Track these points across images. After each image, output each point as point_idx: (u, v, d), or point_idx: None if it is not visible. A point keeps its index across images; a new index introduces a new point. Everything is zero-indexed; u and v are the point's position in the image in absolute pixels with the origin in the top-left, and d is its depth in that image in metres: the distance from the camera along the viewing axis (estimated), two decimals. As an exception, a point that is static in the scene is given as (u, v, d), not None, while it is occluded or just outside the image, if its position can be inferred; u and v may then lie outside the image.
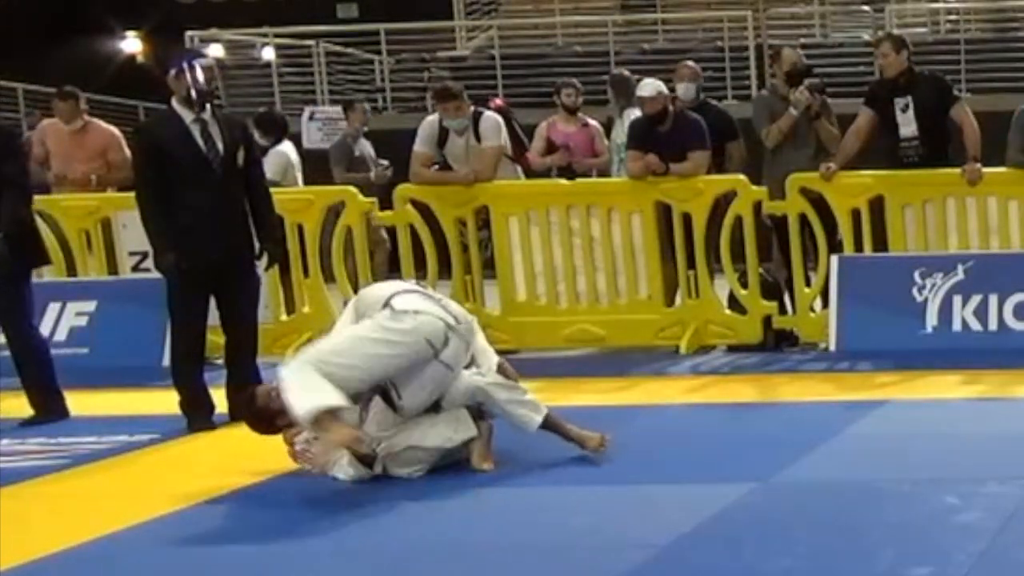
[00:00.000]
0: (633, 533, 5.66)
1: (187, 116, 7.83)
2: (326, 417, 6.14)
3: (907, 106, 10.33)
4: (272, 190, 8.80)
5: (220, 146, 7.86)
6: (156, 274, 8.28)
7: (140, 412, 8.48)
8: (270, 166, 11.97)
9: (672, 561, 5.34)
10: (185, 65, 7.84)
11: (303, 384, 6.17)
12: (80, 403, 8.88)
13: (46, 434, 7.87)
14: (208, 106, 7.88)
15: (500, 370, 6.94)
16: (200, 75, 7.81)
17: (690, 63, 11.36)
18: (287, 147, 12.32)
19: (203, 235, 7.80)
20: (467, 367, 6.77)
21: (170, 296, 8.02)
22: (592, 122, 12.73)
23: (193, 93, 7.76)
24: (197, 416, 7.93)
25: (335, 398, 6.14)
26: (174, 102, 7.91)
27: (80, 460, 7.25)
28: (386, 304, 6.55)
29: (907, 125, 10.37)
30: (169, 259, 7.82)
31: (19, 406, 8.69)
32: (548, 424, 6.86)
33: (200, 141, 7.82)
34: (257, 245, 8.15)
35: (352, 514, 6.12)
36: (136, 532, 5.90)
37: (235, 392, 7.80)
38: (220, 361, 8.43)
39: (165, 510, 6.19)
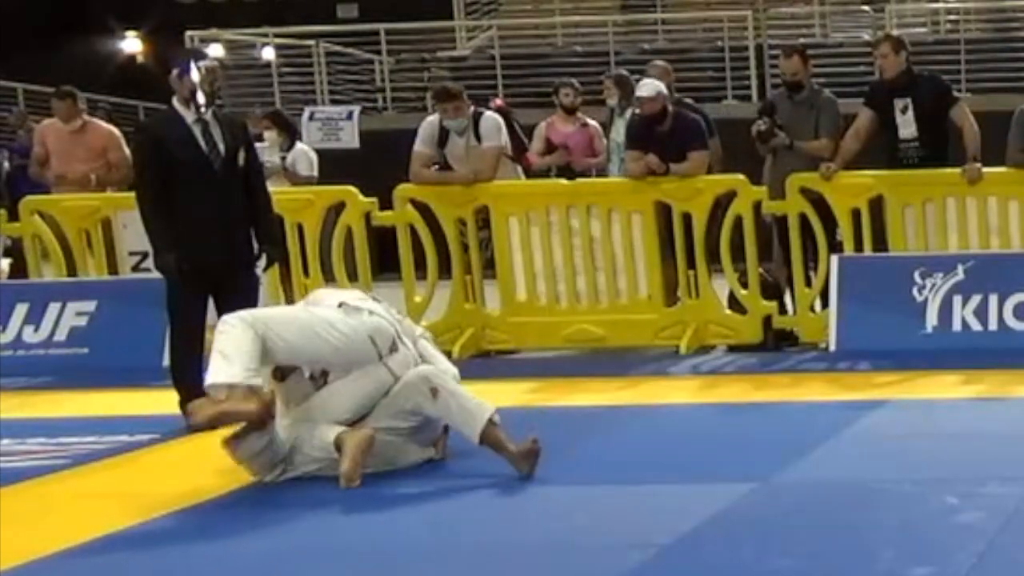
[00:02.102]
0: (633, 533, 5.66)
1: (188, 116, 7.82)
2: (226, 390, 6.18)
3: (907, 107, 10.34)
4: (274, 190, 8.81)
5: (221, 147, 7.86)
6: (156, 274, 8.28)
7: (140, 412, 8.48)
8: (304, 163, 12.08)
9: (672, 561, 5.34)
10: (188, 66, 7.84)
11: (229, 350, 6.19)
12: (80, 403, 8.90)
13: (46, 434, 7.87)
14: (210, 107, 7.88)
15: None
16: (203, 76, 7.80)
17: (659, 62, 11.44)
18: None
19: (204, 235, 7.79)
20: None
21: (170, 296, 8.01)
22: (591, 122, 12.75)
23: (197, 95, 7.76)
24: None
25: (240, 375, 6.13)
26: (175, 102, 7.90)
27: (80, 460, 7.25)
28: (340, 305, 6.60)
29: (907, 126, 10.38)
30: (169, 259, 7.82)
31: (19, 406, 8.70)
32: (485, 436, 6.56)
33: (202, 141, 7.82)
34: (256, 246, 8.15)
35: (352, 514, 6.12)
36: (136, 532, 5.90)
37: None
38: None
39: (165, 510, 6.19)
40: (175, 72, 7.89)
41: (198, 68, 7.82)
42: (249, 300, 8.11)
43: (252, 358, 6.18)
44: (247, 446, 6.43)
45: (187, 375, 7.97)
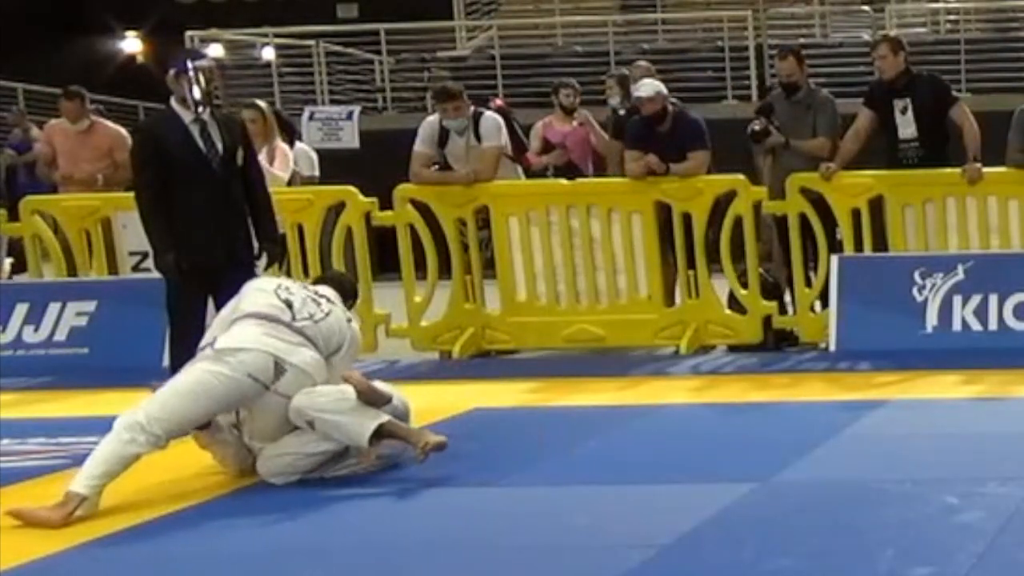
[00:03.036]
0: (633, 533, 5.66)
1: (186, 116, 7.82)
2: (71, 496, 6.11)
3: (906, 108, 10.34)
4: (274, 190, 8.80)
5: (220, 146, 7.86)
6: (156, 274, 8.28)
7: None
8: (305, 163, 12.08)
9: (672, 561, 5.34)
10: (185, 66, 7.83)
11: (100, 455, 6.21)
12: (80, 403, 8.89)
13: (46, 434, 7.86)
14: (207, 106, 7.87)
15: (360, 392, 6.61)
16: (199, 77, 7.80)
17: (642, 62, 11.50)
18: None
19: (203, 235, 7.80)
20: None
21: (169, 296, 8.01)
22: (589, 119, 12.76)
23: (194, 95, 7.75)
24: None
25: (84, 487, 6.11)
26: (173, 102, 7.90)
27: (80, 460, 7.16)
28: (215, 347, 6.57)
29: (906, 127, 10.38)
30: (169, 259, 7.82)
31: (19, 406, 8.70)
32: (383, 433, 6.56)
33: (200, 141, 7.82)
34: (256, 245, 8.14)
35: (352, 513, 6.12)
36: (135, 532, 5.91)
37: None
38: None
39: (165, 510, 6.20)
40: (172, 72, 7.89)
41: (195, 68, 7.81)
42: None
43: (103, 467, 6.18)
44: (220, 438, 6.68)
45: None
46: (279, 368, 6.47)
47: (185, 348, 7.89)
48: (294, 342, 6.56)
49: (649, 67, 11.59)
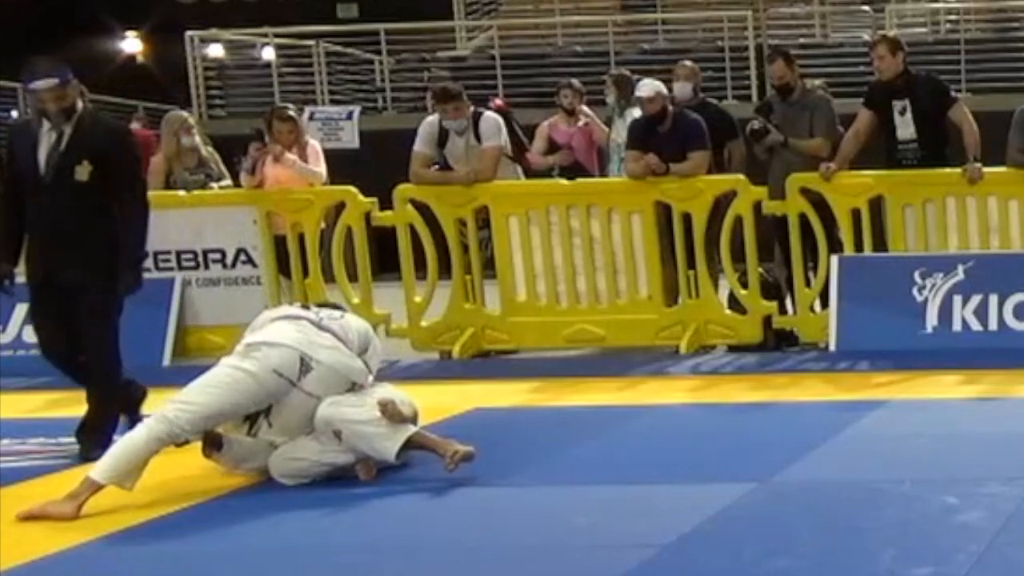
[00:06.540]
0: (633, 533, 5.66)
1: (46, 125, 7.43)
2: (86, 484, 6.20)
3: (905, 109, 10.34)
4: (275, 189, 8.75)
5: (63, 160, 7.36)
6: (155, 274, 8.19)
7: (139, 412, 8.46)
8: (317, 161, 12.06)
9: (672, 561, 5.34)
10: (27, 87, 7.64)
11: (117, 450, 6.35)
12: (80, 403, 8.88)
13: (46, 434, 7.86)
14: (74, 117, 7.44)
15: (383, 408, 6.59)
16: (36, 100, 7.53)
17: (687, 63, 11.37)
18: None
19: (36, 249, 7.50)
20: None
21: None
22: (592, 118, 12.76)
23: (36, 115, 7.52)
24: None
25: (101, 476, 6.21)
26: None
27: (80, 460, 7.24)
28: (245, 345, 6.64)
29: (905, 127, 10.39)
30: (3, 269, 7.55)
31: (19, 406, 8.70)
32: (411, 444, 6.59)
33: (41, 153, 7.39)
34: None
35: (351, 514, 6.12)
36: (136, 532, 5.91)
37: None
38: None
39: (165, 510, 6.20)
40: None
41: (31, 92, 7.56)
42: (98, 329, 7.81)
43: (127, 462, 6.27)
44: (228, 455, 6.70)
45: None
46: (305, 364, 6.51)
47: (53, 362, 7.69)
48: (322, 340, 6.62)
49: (694, 67, 11.27)
